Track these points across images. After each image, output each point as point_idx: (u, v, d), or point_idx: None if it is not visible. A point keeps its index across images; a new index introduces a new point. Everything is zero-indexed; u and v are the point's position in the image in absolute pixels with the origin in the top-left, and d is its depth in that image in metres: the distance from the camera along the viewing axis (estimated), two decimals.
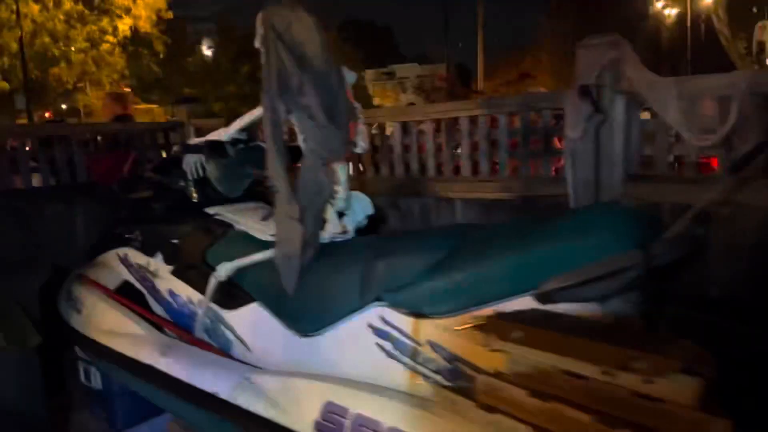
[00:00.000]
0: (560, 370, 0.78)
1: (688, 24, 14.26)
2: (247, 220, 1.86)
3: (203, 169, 1.91)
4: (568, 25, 20.71)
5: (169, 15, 15.34)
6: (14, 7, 13.14)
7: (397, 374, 1.30)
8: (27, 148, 2.83)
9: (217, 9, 25.12)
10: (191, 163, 1.88)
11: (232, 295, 1.74)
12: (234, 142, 1.85)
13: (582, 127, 1.78)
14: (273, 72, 1.48)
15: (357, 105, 1.65)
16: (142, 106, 18.81)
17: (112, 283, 2.00)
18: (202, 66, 23.17)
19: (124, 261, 2.07)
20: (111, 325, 1.78)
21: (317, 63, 1.51)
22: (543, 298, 1.08)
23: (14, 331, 1.77)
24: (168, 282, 1.91)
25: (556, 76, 20.03)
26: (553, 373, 0.78)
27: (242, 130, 1.81)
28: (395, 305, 1.34)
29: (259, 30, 1.53)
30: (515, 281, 1.14)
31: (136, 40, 15.74)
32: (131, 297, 1.96)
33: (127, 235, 2.08)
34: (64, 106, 19.79)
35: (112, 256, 2.12)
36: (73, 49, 13.95)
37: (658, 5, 14.74)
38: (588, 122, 1.78)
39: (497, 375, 0.87)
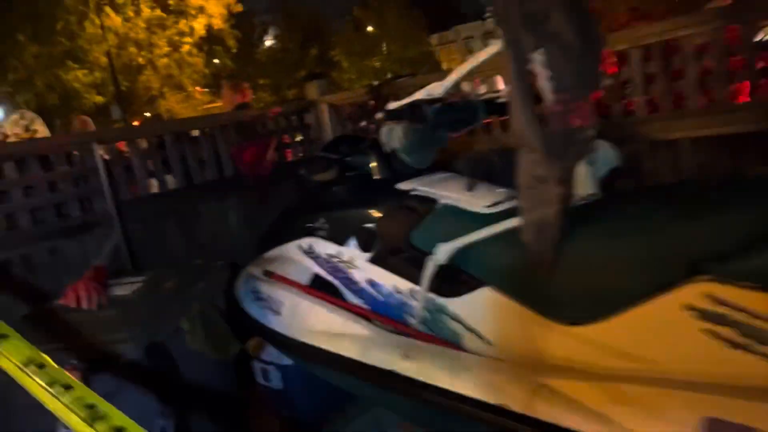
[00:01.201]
0: None
1: None
2: (452, 192, 1.59)
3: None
4: None
5: (239, 8, 15.49)
6: (98, 21, 13.76)
7: (750, 369, 0.98)
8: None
9: None
10: (386, 132, 1.62)
11: (453, 280, 1.48)
12: (429, 102, 1.57)
13: None
14: None
15: None
16: (219, 103, 19.25)
17: (303, 278, 1.81)
18: (272, 55, 23.43)
19: (310, 252, 1.87)
20: (323, 326, 1.59)
21: None
22: None
23: (219, 340, 1.63)
24: (366, 271, 1.69)
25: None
26: None
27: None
28: (733, 279, 1.00)
29: None
30: None
31: (210, 38, 16.08)
32: (324, 290, 1.76)
33: (309, 224, 1.88)
34: (147, 114, 20.77)
35: (293, 249, 1.93)
36: (157, 54, 14.46)
37: None
38: None
39: None
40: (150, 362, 1.39)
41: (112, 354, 1.32)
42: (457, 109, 1.63)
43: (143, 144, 2.46)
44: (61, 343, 1.34)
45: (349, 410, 2.21)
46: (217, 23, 15.27)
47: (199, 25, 14.66)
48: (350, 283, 1.75)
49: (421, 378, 1.26)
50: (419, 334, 1.52)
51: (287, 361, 2.13)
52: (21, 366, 0.78)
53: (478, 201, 1.52)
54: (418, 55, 23.64)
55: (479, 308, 1.43)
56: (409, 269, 1.59)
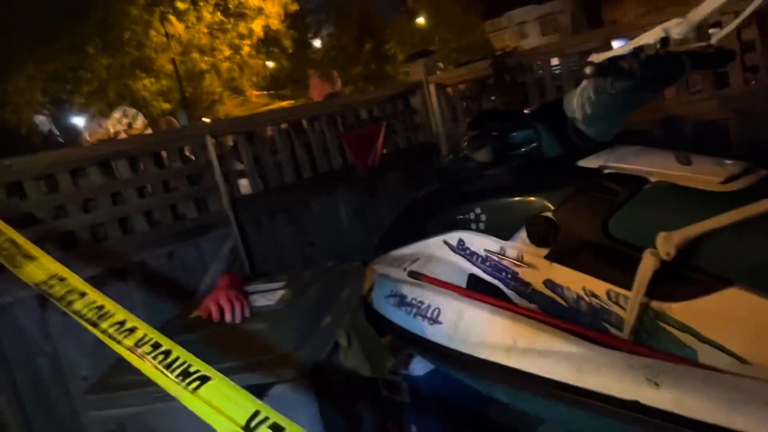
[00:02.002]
0: None
1: None
2: (665, 167, 1.27)
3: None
4: None
5: (295, 7, 15.49)
6: (162, 30, 14.10)
7: None
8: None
9: None
10: (584, 92, 1.30)
11: (677, 279, 1.16)
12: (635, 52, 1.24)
13: None
14: None
15: None
16: (276, 104, 19.36)
17: (458, 280, 1.54)
18: (327, 53, 23.43)
19: (461, 249, 1.60)
20: (504, 339, 1.30)
21: None
22: None
23: (375, 354, 1.38)
24: (544, 270, 1.40)
25: None
26: None
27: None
28: None
29: None
30: None
31: (267, 39, 16.21)
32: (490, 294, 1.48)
33: (459, 216, 1.61)
34: (207, 120, 21.09)
35: (437, 245, 1.66)
36: (219, 58, 14.68)
37: None
38: None
39: None
40: (309, 386, 1.16)
41: (271, 378, 1.09)
42: (660, 62, 1.30)
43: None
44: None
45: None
46: (274, 23, 15.35)
47: (257, 27, 14.77)
48: (518, 285, 1.46)
49: (689, 413, 0.95)
50: (627, 345, 1.21)
51: (417, 371, 1.88)
52: None
53: (707, 177, 1.19)
54: (474, 43, 23.00)
55: (724, 315, 1.10)
56: (607, 267, 1.28)
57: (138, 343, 0.68)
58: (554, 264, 1.38)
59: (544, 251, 1.41)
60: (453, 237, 1.63)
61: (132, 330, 0.70)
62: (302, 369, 1.09)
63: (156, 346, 0.67)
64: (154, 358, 0.65)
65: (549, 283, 1.40)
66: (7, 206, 1.60)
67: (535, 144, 1.49)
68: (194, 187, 1.96)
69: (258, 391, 1.14)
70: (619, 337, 1.23)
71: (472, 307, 1.41)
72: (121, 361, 1.27)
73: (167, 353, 0.66)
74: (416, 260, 1.71)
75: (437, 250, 1.67)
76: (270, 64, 18.17)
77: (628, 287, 1.22)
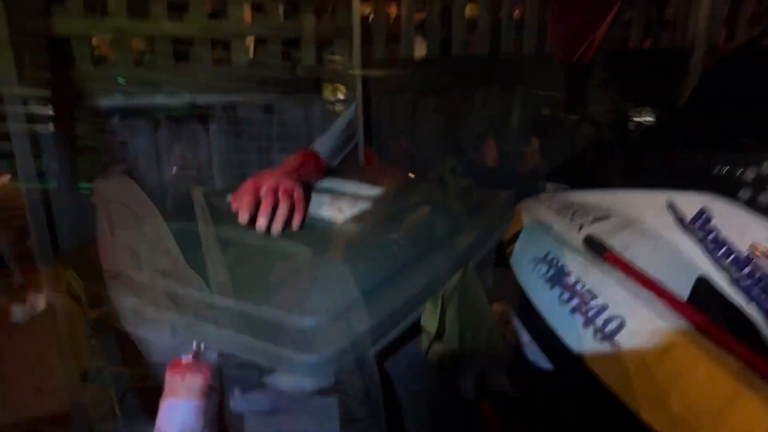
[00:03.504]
0: None
1: None
2: None
3: None
4: None
5: None
6: None
7: None
8: None
9: None
10: None
11: None
12: None
13: None
14: None
15: None
16: None
17: (677, 281, 0.83)
18: None
19: (696, 225, 0.87)
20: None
21: None
22: None
23: (488, 346, 0.79)
24: None
25: None
26: None
27: None
28: None
29: None
30: None
31: None
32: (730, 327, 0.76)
33: (721, 170, 0.87)
34: None
35: (650, 205, 0.96)
36: None
37: None
38: None
39: None
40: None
41: (270, 359, 0.58)
42: None
43: None
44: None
45: None
46: None
47: None
48: None
49: None
50: None
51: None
52: None
53: None
54: None
55: None
56: None
57: None
58: None
59: None
60: (691, 202, 0.89)
61: None
62: (327, 365, 0.56)
63: None
64: None
65: None
66: None
67: None
68: (319, 24, 1.42)
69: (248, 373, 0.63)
70: None
71: (692, 345, 0.72)
72: None
73: None
74: (603, 219, 1.02)
75: (649, 215, 0.95)
76: None
77: None
